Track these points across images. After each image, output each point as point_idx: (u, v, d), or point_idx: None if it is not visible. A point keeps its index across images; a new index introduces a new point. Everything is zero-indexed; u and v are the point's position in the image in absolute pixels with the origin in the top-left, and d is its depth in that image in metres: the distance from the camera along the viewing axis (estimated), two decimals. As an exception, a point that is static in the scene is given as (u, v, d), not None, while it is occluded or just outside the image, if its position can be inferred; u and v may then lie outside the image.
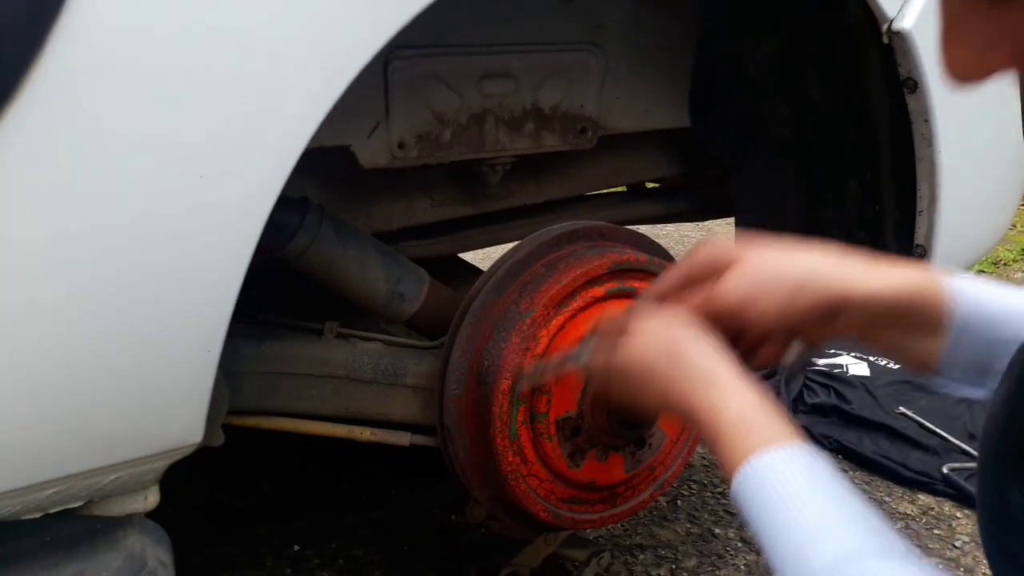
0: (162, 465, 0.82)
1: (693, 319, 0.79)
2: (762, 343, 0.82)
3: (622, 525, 1.75)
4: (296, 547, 1.66)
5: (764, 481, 0.65)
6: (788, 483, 0.64)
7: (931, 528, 1.77)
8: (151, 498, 0.89)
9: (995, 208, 1.48)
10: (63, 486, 0.77)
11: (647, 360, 0.78)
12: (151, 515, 0.92)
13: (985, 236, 1.48)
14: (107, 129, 0.66)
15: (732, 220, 1.70)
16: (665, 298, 0.85)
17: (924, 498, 1.89)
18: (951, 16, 0.50)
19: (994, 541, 0.66)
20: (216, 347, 0.76)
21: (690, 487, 1.94)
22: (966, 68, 0.51)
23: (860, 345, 0.82)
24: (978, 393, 0.77)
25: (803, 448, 0.67)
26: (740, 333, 0.81)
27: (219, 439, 1.09)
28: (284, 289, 1.42)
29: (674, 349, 0.77)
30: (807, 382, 2.43)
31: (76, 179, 0.66)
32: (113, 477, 0.78)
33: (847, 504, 0.63)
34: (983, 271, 3.89)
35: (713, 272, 0.81)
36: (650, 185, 1.93)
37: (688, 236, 4.73)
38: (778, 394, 2.35)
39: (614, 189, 1.87)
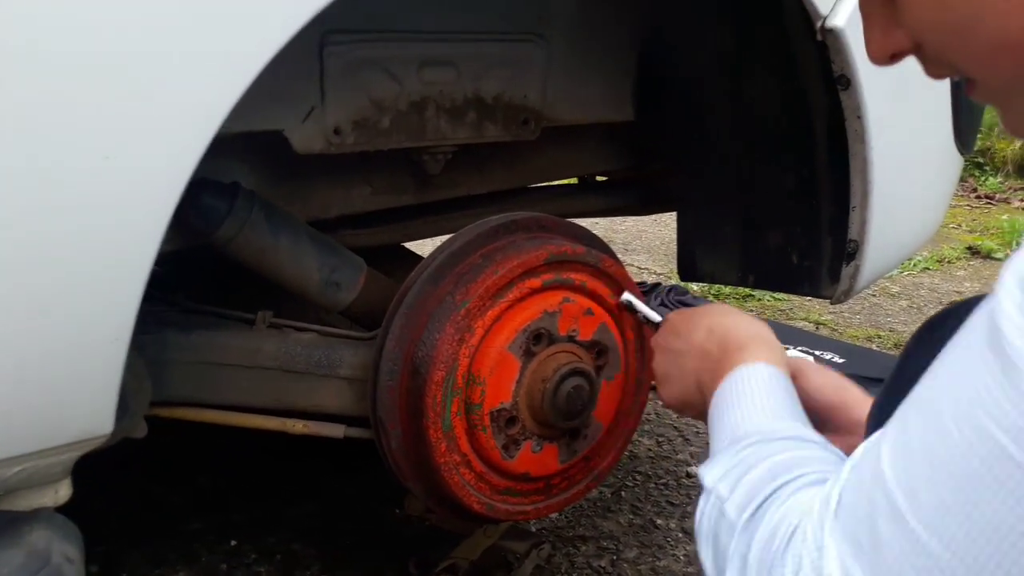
0: (69, 458, 0.79)
1: None
2: None
3: (565, 516, 1.75)
4: (233, 542, 1.63)
5: (760, 373, 0.73)
6: (779, 382, 0.72)
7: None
8: (62, 491, 0.86)
9: (928, 204, 1.51)
10: (-38, 479, 0.74)
11: (712, 308, 0.89)
12: (82, 510, 0.90)
13: (917, 231, 1.51)
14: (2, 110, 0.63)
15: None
16: None
17: (862, 490, 1.93)
18: (862, 7, 0.60)
19: None
20: (124, 336, 0.73)
21: (634, 478, 1.95)
22: (877, 50, 0.59)
23: None
24: None
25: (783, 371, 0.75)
26: None
27: (141, 431, 1.06)
28: (221, 278, 1.39)
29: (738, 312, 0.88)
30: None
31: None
32: (16, 470, 0.75)
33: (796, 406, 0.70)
34: (928, 268, 3.99)
35: None
36: (600, 178, 1.93)
37: (645, 231, 4.76)
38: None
39: (565, 181, 1.87)
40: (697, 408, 0.83)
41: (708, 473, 0.65)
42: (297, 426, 1.20)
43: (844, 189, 1.33)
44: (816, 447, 0.63)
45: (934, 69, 0.58)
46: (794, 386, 0.74)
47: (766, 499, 0.56)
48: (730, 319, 0.84)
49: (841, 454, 0.63)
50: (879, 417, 0.71)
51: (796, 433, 0.64)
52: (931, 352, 0.69)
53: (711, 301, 3.32)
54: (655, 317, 1.06)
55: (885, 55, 0.59)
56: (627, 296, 1.13)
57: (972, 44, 0.52)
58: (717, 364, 0.78)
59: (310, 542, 1.63)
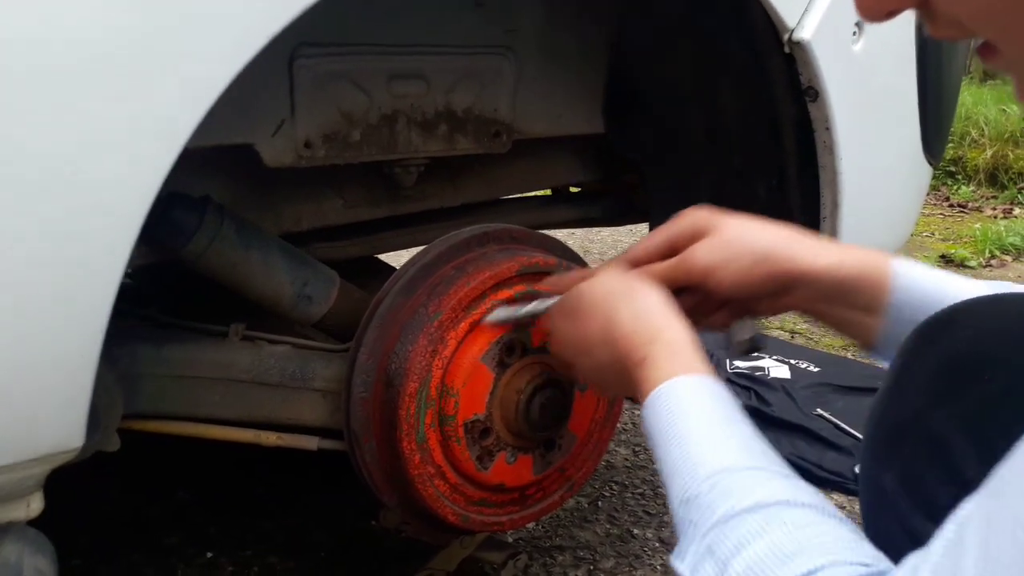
0: (41, 471, 0.79)
1: (650, 279, 0.86)
2: (717, 310, 0.91)
3: (542, 526, 1.76)
4: (209, 554, 1.62)
5: (673, 398, 0.70)
6: (695, 402, 0.69)
7: (841, 525, 1.83)
8: (34, 505, 0.85)
9: (897, 214, 1.53)
10: (-73, 495, 0.73)
11: (602, 291, 0.85)
12: (57, 523, 0.89)
13: (887, 241, 1.53)
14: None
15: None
16: (639, 262, 0.91)
17: (837, 496, 1.95)
18: None
19: (870, 521, 0.71)
20: (93, 350, 0.73)
21: (611, 488, 1.96)
22: (873, 4, 0.51)
23: (805, 317, 0.90)
24: None
25: (716, 381, 0.72)
26: (700, 300, 0.89)
27: (114, 444, 1.05)
28: (194, 291, 1.39)
29: (628, 286, 0.84)
30: (728, 382, 2.48)
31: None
32: (-16, 485, 0.75)
33: (744, 427, 0.68)
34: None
35: (691, 240, 0.87)
36: (573, 189, 1.94)
37: (621, 241, 4.78)
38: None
39: (538, 193, 1.88)
40: None
41: (679, 563, 0.60)
42: (271, 438, 1.20)
43: (814, 200, 1.35)
44: (784, 509, 0.57)
45: (941, 29, 0.49)
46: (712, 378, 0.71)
47: None
48: (617, 320, 0.80)
49: (820, 505, 0.58)
50: (878, 431, 0.71)
51: (753, 502, 0.58)
52: (930, 361, 0.68)
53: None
54: (536, 309, 1.06)
55: (882, 10, 0.50)
56: (490, 318, 1.11)
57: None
58: (633, 382, 0.75)
59: (287, 554, 1.63)
